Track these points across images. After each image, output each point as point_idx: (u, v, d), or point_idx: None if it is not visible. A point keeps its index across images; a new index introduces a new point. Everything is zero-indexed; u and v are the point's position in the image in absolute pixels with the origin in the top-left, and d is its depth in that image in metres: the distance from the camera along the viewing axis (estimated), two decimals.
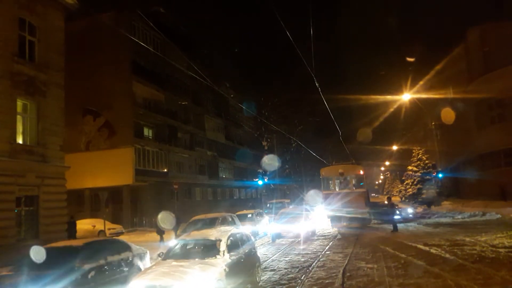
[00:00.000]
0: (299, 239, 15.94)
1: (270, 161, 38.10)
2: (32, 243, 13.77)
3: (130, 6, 30.11)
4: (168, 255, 7.96)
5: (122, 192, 27.87)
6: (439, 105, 31.25)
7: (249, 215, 20.28)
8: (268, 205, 30.21)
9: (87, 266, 7.62)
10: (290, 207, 25.91)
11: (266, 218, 21.49)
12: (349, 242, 15.55)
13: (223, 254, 7.54)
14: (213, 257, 7.42)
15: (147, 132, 31.68)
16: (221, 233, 8.30)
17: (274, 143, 40.78)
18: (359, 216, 20.18)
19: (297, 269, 10.50)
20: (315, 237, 17.90)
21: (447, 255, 10.67)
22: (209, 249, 7.80)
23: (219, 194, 45.12)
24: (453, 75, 31.41)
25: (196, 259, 7.40)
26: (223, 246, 7.69)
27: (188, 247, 8.32)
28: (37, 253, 7.52)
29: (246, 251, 8.67)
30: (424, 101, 32.50)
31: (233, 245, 8.11)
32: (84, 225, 23.10)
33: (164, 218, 19.55)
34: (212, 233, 8.40)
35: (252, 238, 9.88)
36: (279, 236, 17.35)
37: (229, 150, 47.33)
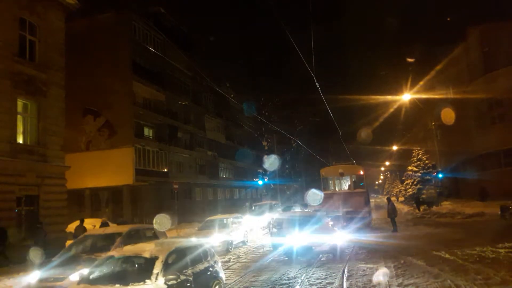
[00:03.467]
0: (333, 256, 11.79)
1: (270, 161, 38.16)
2: (32, 243, 13.87)
3: (130, 6, 30.17)
4: (86, 278, 6.29)
5: (122, 192, 27.88)
6: (439, 105, 31.27)
7: (224, 221, 16.54)
8: (253, 208, 26.29)
9: None
10: (296, 209, 25.23)
11: (245, 224, 17.85)
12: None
13: (156, 278, 5.77)
14: (141, 283, 5.69)
15: (148, 132, 31.69)
16: (161, 248, 6.52)
17: (274, 143, 40.83)
18: (359, 216, 20.17)
19: (297, 269, 10.53)
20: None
21: (447, 255, 10.69)
22: (141, 269, 6.17)
23: (219, 194, 45.15)
24: (453, 75, 31.44)
25: (117, 285, 5.70)
26: (158, 267, 5.92)
27: (115, 266, 6.52)
28: None
29: (199, 270, 6.83)
30: (424, 101, 32.53)
31: (176, 264, 6.33)
32: (84, 224, 23.14)
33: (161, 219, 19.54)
34: (149, 248, 6.54)
35: (213, 252, 7.97)
36: (303, 252, 11.72)
37: (229, 150, 47.35)
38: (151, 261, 6.06)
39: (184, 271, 6.36)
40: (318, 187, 22.71)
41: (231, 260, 13.08)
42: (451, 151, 33.23)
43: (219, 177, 44.45)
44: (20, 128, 15.67)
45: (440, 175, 31.00)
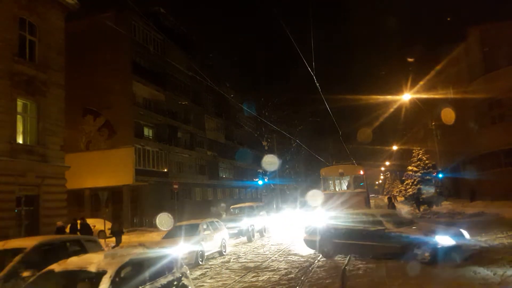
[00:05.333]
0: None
1: (270, 161, 38.14)
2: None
3: (130, 6, 30.16)
4: None
5: (122, 192, 27.89)
6: (439, 105, 31.27)
7: (194, 227, 13.72)
8: (231, 210, 23.19)
9: None
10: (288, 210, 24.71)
11: (222, 231, 15.25)
12: None
13: None
14: None
15: (147, 132, 31.70)
16: (111, 260, 5.41)
17: (274, 143, 40.75)
18: None
19: (297, 269, 10.51)
20: None
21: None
22: (85, 287, 5.25)
23: (219, 194, 45.16)
24: (453, 75, 31.43)
25: None
26: (105, 283, 4.90)
27: (56, 283, 5.38)
28: None
29: (160, 285, 5.86)
30: (424, 101, 32.54)
31: (130, 280, 5.35)
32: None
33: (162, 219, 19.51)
34: (97, 260, 5.43)
35: (180, 262, 7.09)
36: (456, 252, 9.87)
37: (229, 150, 47.37)
38: (98, 276, 5.04)
39: (140, 287, 5.43)
40: (318, 187, 22.69)
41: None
42: (451, 151, 33.22)
43: (219, 177, 44.46)
44: (20, 128, 15.67)
45: (440, 175, 31.00)
